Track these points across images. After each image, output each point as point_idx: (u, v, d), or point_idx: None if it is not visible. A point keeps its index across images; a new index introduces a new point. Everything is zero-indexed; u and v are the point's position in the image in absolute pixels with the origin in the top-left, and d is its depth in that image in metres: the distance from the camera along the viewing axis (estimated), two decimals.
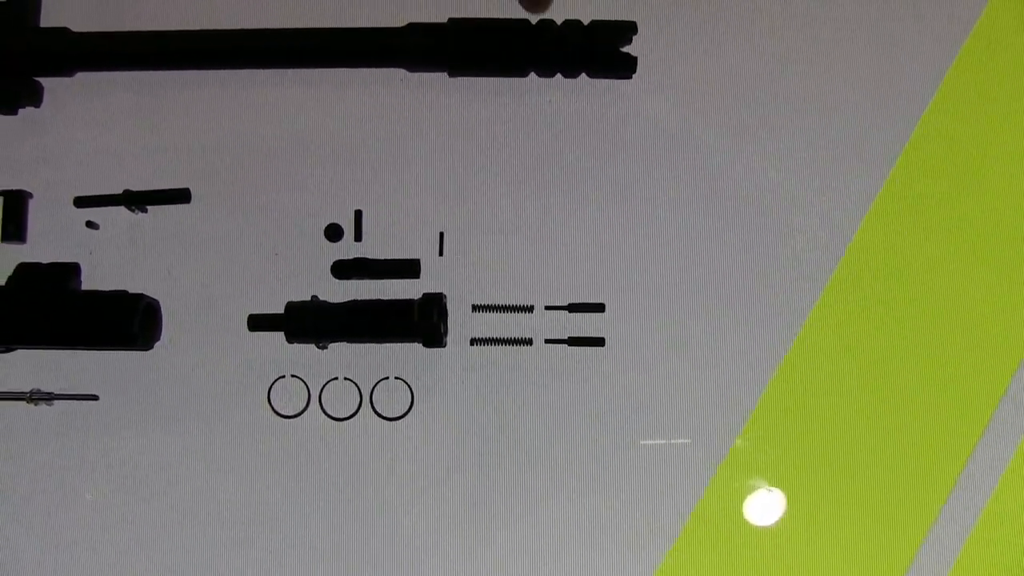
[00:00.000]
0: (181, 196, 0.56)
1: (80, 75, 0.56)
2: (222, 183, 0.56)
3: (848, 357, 0.54)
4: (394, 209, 0.56)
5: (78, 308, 0.54)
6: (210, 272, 0.56)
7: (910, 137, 0.57)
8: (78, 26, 0.55)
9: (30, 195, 0.57)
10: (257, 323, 0.54)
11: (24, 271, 0.55)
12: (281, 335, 0.53)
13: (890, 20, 0.58)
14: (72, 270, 0.55)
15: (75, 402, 0.56)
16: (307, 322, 0.53)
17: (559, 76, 0.54)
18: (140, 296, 0.53)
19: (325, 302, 0.53)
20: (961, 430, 0.53)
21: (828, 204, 0.56)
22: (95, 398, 0.55)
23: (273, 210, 0.56)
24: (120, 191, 0.56)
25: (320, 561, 0.53)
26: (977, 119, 0.57)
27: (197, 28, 0.55)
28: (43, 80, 0.56)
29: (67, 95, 0.57)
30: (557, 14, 0.54)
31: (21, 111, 0.56)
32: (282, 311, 0.53)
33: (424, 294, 0.53)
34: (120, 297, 0.53)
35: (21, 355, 0.55)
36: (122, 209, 0.56)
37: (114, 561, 0.53)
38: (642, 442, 0.53)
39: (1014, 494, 0.52)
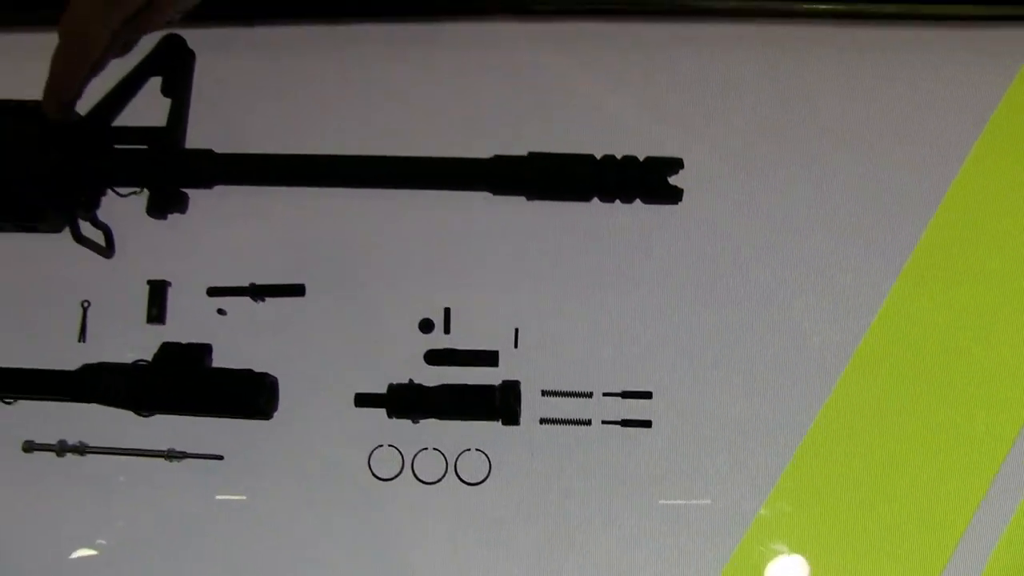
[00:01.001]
0: (297, 290, 0.67)
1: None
2: (332, 279, 0.67)
3: (862, 437, 0.64)
4: (477, 307, 0.66)
5: (213, 383, 0.64)
6: (320, 355, 0.66)
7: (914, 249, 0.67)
8: (219, 147, 0.66)
9: (170, 284, 0.68)
10: (362, 400, 0.64)
11: (167, 349, 0.66)
12: (382, 411, 0.64)
13: (893, 146, 0.69)
14: (206, 350, 0.66)
15: (203, 460, 0.67)
16: (406, 401, 0.63)
17: (617, 201, 0.65)
18: (265, 375, 0.64)
19: (420, 384, 0.64)
20: (961, 502, 0.63)
21: (838, 310, 0.66)
22: (220, 458, 0.66)
23: (375, 305, 0.66)
24: (246, 284, 0.67)
25: None
26: (978, 237, 0.67)
27: (317, 152, 0.66)
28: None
29: (205, 199, 0.68)
30: (618, 150, 0.65)
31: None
32: (383, 391, 0.64)
33: (503, 381, 0.63)
34: (248, 375, 0.64)
35: (159, 419, 0.66)
36: (247, 299, 0.67)
37: None
38: (660, 502, 0.63)
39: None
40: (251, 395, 0.63)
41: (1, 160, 0.63)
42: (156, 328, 0.67)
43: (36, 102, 0.62)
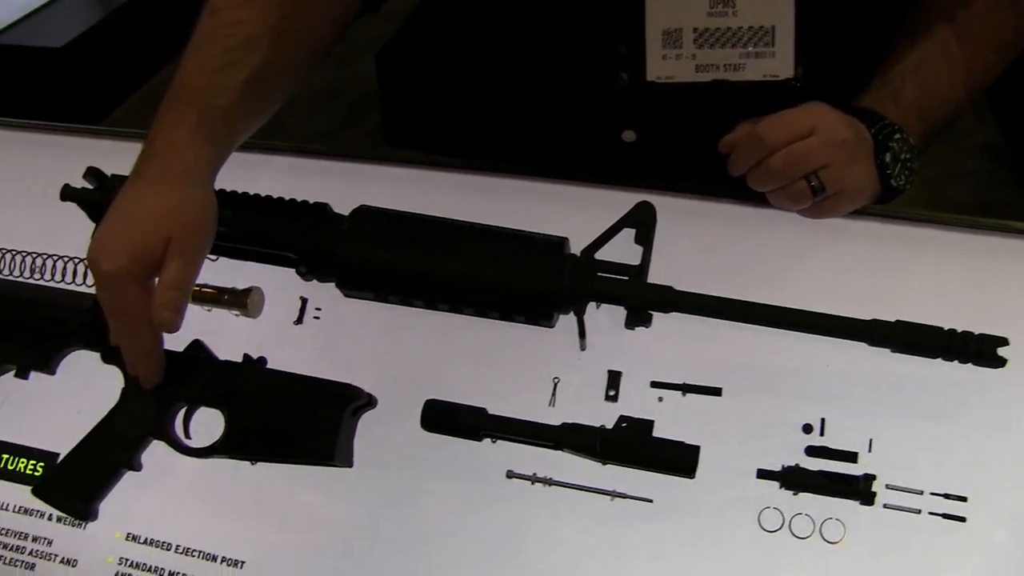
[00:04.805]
0: (715, 391, 0.95)
1: None
2: (742, 385, 0.94)
3: None
4: (844, 420, 0.94)
5: (659, 447, 0.92)
6: (730, 438, 0.90)
7: None
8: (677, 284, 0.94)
9: (620, 373, 0.97)
10: (763, 474, 0.90)
11: (623, 419, 0.93)
12: (773, 483, 0.91)
13: None
14: (650, 424, 0.93)
15: (636, 501, 0.94)
16: (793, 479, 0.90)
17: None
18: (696, 446, 0.92)
19: (804, 468, 0.91)
20: None
21: None
22: (650, 501, 0.93)
23: (773, 408, 0.93)
24: (680, 382, 0.95)
25: None
26: None
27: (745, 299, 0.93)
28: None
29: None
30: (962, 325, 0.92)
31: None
32: (776, 469, 0.91)
33: (864, 473, 0.90)
34: (684, 445, 0.91)
35: (599, 467, 0.93)
36: (678, 393, 0.95)
37: None
38: None
39: None
40: (687, 459, 0.90)
41: (533, 280, 0.92)
42: (610, 405, 0.95)
43: (561, 240, 0.92)
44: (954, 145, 2.59)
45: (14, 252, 1.12)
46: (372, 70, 1.63)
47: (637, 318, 0.92)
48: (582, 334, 0.93)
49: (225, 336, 1.03)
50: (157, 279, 0.85)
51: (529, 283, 0.92)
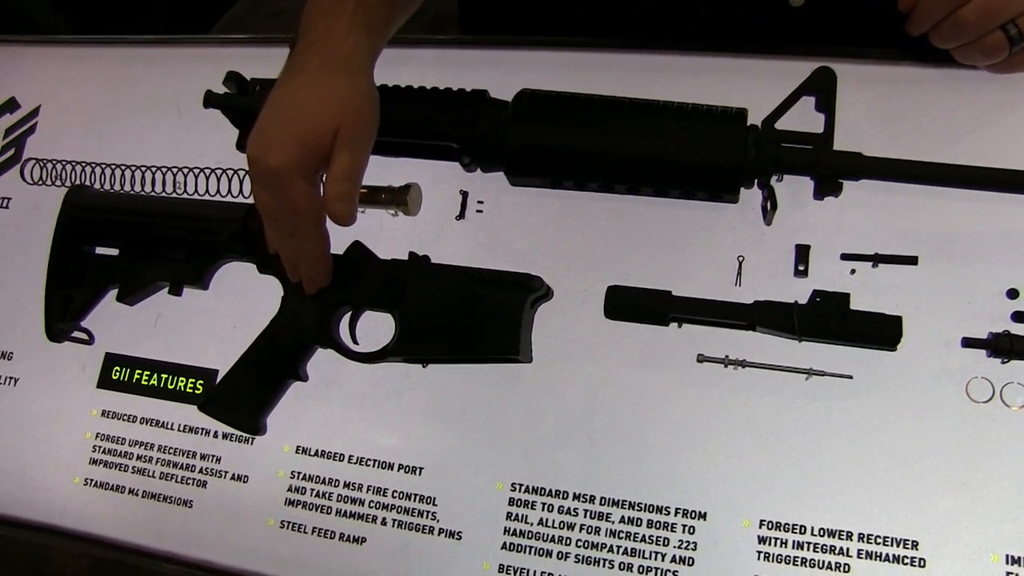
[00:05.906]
0: (910, 260, 0.91)
1: None
2: (942, 252, 0.88)
3: None
4: None
5: (858, 319, 0.87)
6: (928, 305, 0.85)
7: None
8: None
9: (808, 247, 0.92)
10: (968, 343, 0.85)
11: (817, 293, 0.88)
12: (980, 352, 0.86)
13: None
14: (846, 297, 0.88)
15: (832, 378, 0.89)
16: (1004, 346, 0.86)
17: None
18: (897, 317, 0.87)
19: (1014, 334, 0.86)
20: None
21: None
22: (850, 377, 0.89)
23: (971, 274, 0.87)
24: (872, 252, 0.91)
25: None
26: None
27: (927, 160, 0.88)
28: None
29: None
30: None
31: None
32: (981, 337, 0.87)
33: None
34: (882, 317, 0.87)
35: (806, 346, 0.90)
36: (870, 264, 0.91)
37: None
38: None
39: None
40: (890, 330, 0.85)
41: (717, 153, 0.87)
42: (800, 280, 0.90)
43: (741, 110, 0.87)
44: None
45: (155, 168, 1.08)
46: None
47: (827, 187, 0.88)
48: (773, 206, 0.89)
49: (383, 238, 0.99)
50: (325, 174, 0.81)
51: (713, 156, 0.87)
